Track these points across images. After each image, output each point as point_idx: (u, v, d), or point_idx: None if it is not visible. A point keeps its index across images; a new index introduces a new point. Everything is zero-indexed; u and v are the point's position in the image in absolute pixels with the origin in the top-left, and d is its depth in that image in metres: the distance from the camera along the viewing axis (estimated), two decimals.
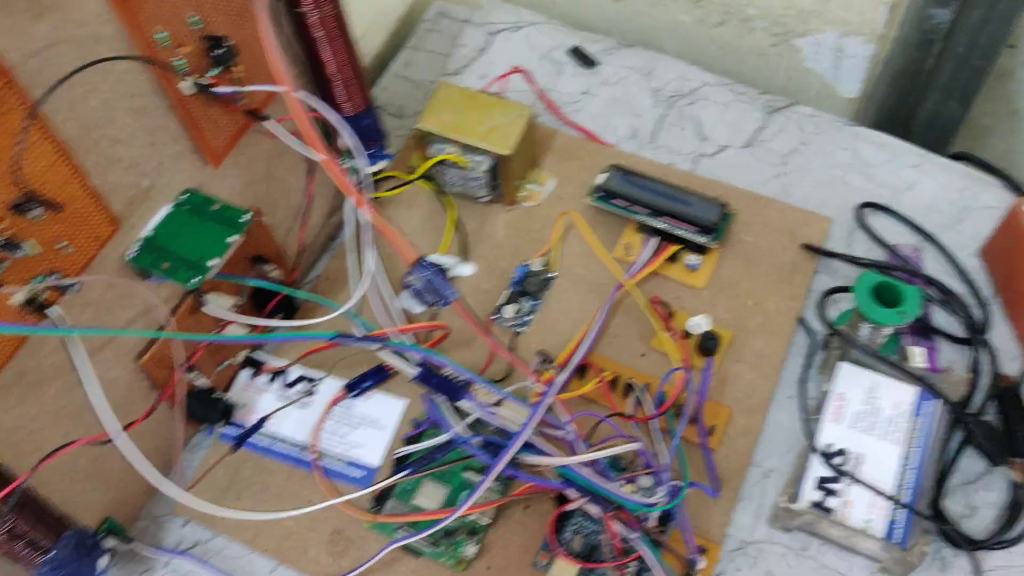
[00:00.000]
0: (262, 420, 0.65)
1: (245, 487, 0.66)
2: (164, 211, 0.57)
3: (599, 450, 0.56)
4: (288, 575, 0.63)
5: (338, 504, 0.64)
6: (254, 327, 0.62)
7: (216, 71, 0.56)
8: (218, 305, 0.61)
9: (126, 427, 0.52)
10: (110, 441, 0.51)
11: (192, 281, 0.55)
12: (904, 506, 0.61)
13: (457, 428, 0.57)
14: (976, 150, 0.85)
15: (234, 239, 0.57)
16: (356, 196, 0.54)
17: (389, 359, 0.58)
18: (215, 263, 0.56)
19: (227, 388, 0.69)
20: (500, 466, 0.54)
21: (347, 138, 0.62)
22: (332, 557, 0.63)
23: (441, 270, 0.59)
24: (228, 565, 0.63)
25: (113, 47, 0.50)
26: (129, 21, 0.50)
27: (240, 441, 0.63)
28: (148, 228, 0.56)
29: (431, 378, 0.56)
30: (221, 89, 0.55)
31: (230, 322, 0.62)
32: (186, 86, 0.54)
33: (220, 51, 0.55)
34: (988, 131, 1.03)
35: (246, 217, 0.58)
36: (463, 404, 0.56)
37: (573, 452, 0.58)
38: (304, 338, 0.54)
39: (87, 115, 0.50)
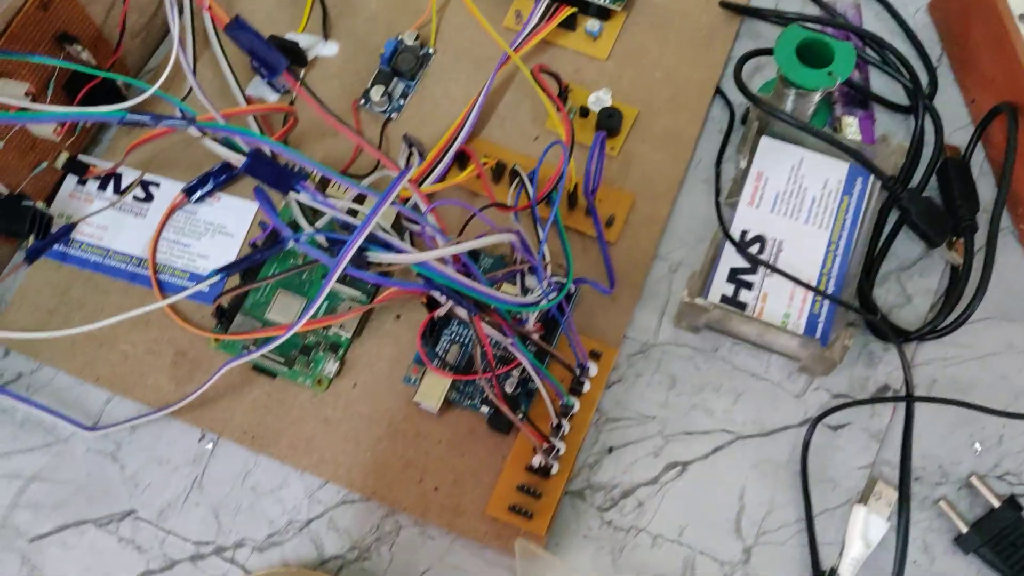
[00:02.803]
0: (67, 228, 0.55)
1: (75, 309, 0.57)
2: None
3: (460, 243, 0.47)
4: (126, 406, 0.55)
5: (180, 322, 0.55)
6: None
7: None
8: (5, 92, 0.50)
9: None
10: None
11: None
12: (825, 295, 0.53)
13: (301, 226, 0.48)
14: None
15: None
16: None
17: (213, 147, 0.48)
18: None
19: (50, 198, 0.59)
20: (341, 264, 0.44)
21: None
22: (175, 383, 0.54)
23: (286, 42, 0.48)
24: (56, 397, 0.55)
25: None
26: None
27: (36, 252, 0.54)
28: None
29: (259, 167, 0.46)
30: None
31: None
32: None
33: None
34: None
35: None
36: (298, 196, 0.47)
37: (433, 248, 0.49)
38: (85, 117, 0.44)
39: None
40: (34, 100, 0.52)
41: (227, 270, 0.47)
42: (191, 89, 0.55)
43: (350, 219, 0.47)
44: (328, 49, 0.63)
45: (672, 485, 0.52)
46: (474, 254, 0.56)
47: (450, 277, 0.47)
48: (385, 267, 0.48)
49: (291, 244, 0.46)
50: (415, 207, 0.54)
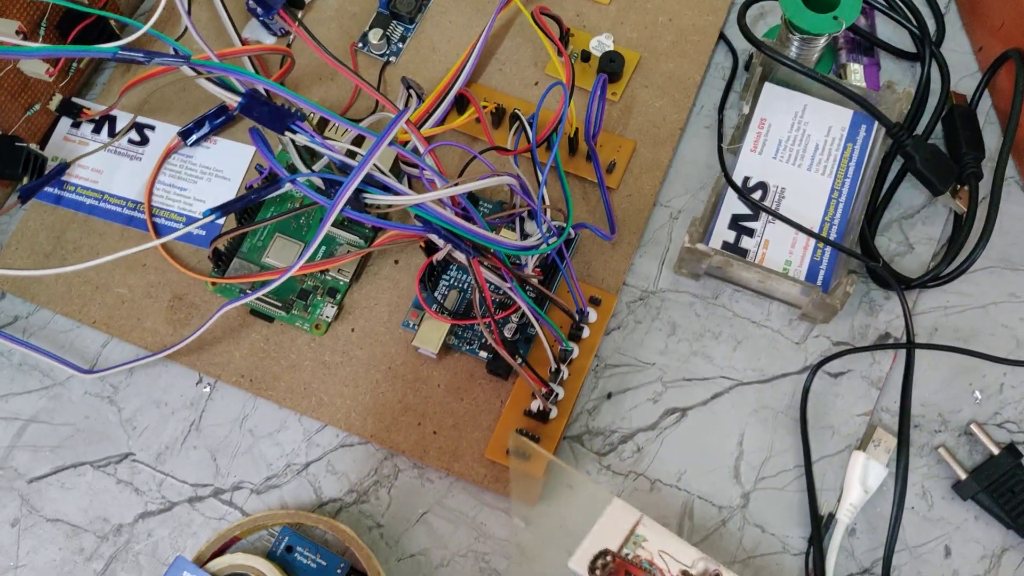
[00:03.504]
0: (62, 167, 0.55)
1: (71, 251, 0.56)
2: None
3: (458, 184, 0.46)
4: (123, 349, 0.54)
5: (177, 266, 0.55)
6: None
7: None
8: None
9: None
10: None
11: None
12: (827, 242, 0.52)
13: (298, 168, 0.47)
14: None
15: None
16: None
17: (208, 87, 0.48)
18: None
19: (44, 140, 0.58)
20: (338, 205, 0.44)
21: None
22: (172, 326, 0.54)
23: None
24: (53, 340, 0.55)
25: None
26: None
27: (30, 192, 0.53)
28: None
29: (255, 108, 0.46)
30: None
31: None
32: None
33: None
34: None
35: None
36: (295, 137, 0.46)
37: (431, 191, 0.48)
38: (77, 53, 0.43)
39: None
40: (26, 39, 0.51)
41: (222, 209, 0.47)
42: (185, 29, 0.54)
43: (348, 160, 0.46)
44: None
45: (671, 431, 0.52)
46: (473, 198, 0.55)
47: (448, 220, 0.46)
48: (383, 209, 0.48)
49: (287, 185, 0.46)
50: (414, 150, 0.53)
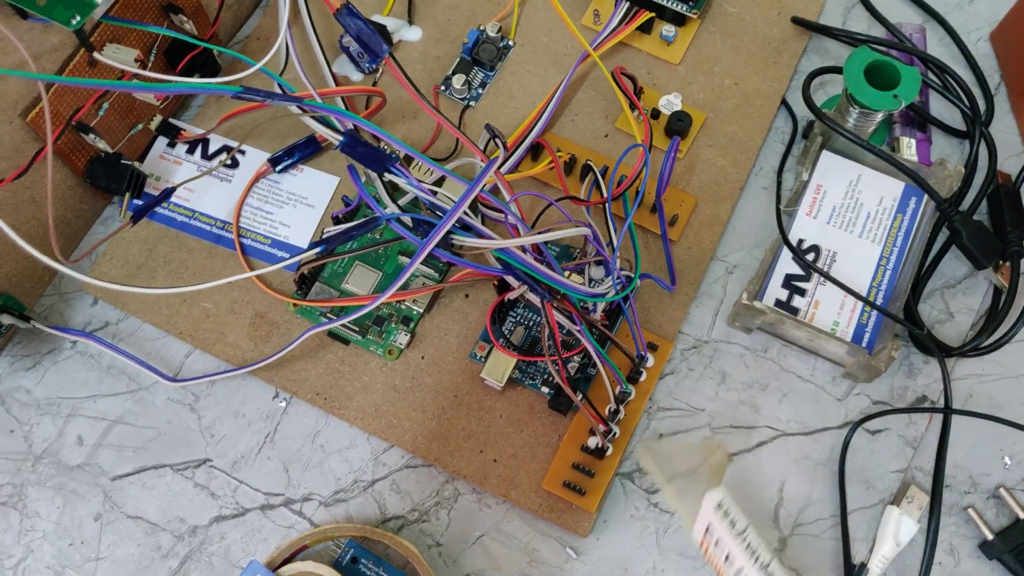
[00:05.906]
0: (168, 191, 0.58)
1: (161, 264, 0.60)
2: None
3: (542, 232, 0.50)
4: (205, 360, 0.58)
5: (261, 286, 0.58)
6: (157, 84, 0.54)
7: None
8: (117, 57, 0.53)
9: None
10: None
11: (74, 21, 0.47)
12: (875, 307, 0.55)
13: (388, 206, 0.51)
14: None
15: None
16: None
17: (312, 124, 0.51)
18: (103, 2, 0.48)
19: (142, 157, 0.62)
20: (429, 246, 0.47)
21: None
22: (253, 342, 0.58)
23: (374, 24, 0.50)
24: (140, 348, 0.58)
25: None
26: None
27: (140, 213, 0.57)
28: None
29: (356, 147, 0.49)
30: None
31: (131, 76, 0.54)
32: None
33: None
34: None
35: None
36: (392, 178, 0.49)
37: (514, 235, 0.52)
38: (205, 90, 0.47)
39: None
40: (143, 66, 0.55)
41: (324, 243, 0.50)
42: (286, 64, 0.58)
43: (440, 203, 0.50)
44: (412, 34, 0.65)
45: None
46: None
47: (529, 264, 0.50)
48: (461, 250, 0.51)
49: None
50: (492, 190, 0.56)
